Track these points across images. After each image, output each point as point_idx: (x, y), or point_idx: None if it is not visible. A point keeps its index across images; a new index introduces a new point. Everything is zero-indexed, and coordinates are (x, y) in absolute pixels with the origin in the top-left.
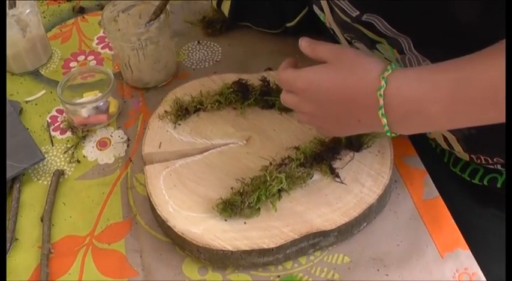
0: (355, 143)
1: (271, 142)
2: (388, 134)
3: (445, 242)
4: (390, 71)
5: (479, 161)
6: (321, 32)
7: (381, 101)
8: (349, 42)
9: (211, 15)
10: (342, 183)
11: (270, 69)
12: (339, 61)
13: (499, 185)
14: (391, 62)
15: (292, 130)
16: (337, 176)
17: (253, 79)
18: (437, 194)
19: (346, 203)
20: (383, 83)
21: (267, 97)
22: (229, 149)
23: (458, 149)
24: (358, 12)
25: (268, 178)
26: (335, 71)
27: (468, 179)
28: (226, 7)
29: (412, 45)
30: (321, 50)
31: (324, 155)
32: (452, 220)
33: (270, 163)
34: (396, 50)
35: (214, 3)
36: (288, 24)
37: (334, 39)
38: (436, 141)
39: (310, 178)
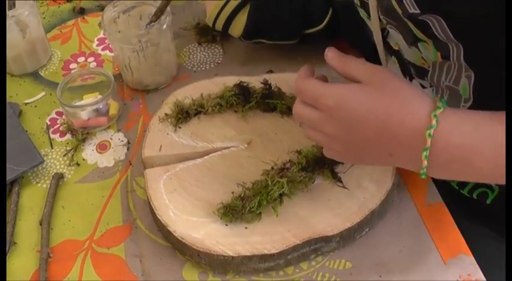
0: None
1: (272, 146)
2: (424, 176)
3: (448, 248)
4: (442, 109)
5: None
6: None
7: (429, 142)
8: (380, 20)
9: (204, 23)
10: (344, 188)
11: (271, 71)
12: (378, 84)
13: (488, 202)
14: (441, 99)
15: (294, 134)
16: (339, 180)
17: (255, 82)
18: (440, 199)
19: (348, 208)
20: (434, 122)
21: (269, 100)
22: (230, 153)
23: None
24: (418, 11)
25: (269, 183)
26: (374, 95)
27: (456, 188)
28: (238, 29)
29: (462, 54)
30: (355, 67)
31: (326, 160)
32: (455, 226)
33: (272, 167)
34: (440, 54)
35: (219, 27)
36: (310, 31)
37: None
38: None
39: (312, 183)
